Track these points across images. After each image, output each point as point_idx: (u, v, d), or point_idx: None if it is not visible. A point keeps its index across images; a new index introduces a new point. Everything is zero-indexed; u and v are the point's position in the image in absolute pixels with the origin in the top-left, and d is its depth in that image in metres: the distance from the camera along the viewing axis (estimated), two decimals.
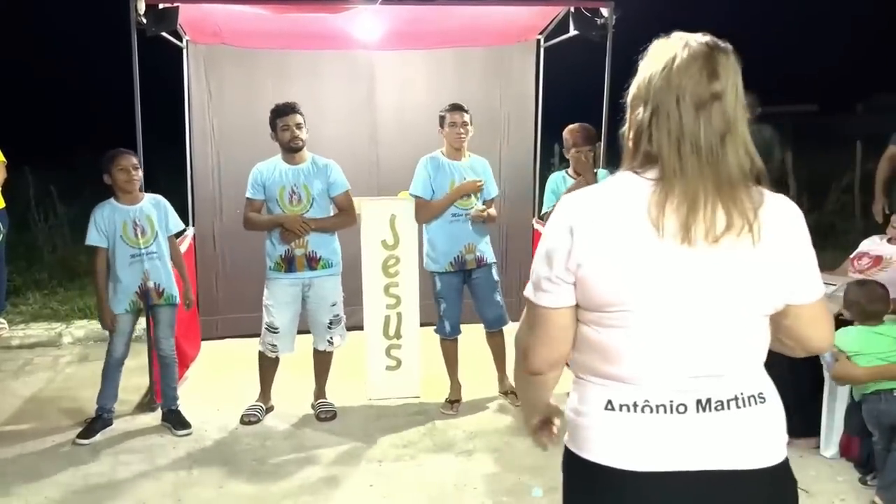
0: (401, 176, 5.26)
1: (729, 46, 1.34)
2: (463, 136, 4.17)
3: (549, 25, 5.48)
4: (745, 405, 1.34)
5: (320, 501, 3.27)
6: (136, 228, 3.90)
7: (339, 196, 4.12)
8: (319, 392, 4.28)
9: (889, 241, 3.92)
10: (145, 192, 4.04)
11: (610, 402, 1.35)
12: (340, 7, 4.72)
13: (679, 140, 1.29)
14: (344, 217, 4.15)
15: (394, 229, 4.31)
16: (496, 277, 4.32)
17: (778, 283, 1.33)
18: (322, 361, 4.28)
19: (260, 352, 4.19)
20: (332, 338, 4.20)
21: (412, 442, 3.84)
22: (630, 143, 1.38)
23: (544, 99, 5.80)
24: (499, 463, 3.59)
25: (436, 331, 4.33)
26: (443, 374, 4.37)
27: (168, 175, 6.63)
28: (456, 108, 4.19)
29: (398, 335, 4.38)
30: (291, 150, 4.02)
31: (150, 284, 3.93)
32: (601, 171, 4.31)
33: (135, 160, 3.92)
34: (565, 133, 4.35)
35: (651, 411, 1.32)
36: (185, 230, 4.09)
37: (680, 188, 1.28)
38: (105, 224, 3.87)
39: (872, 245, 3.97)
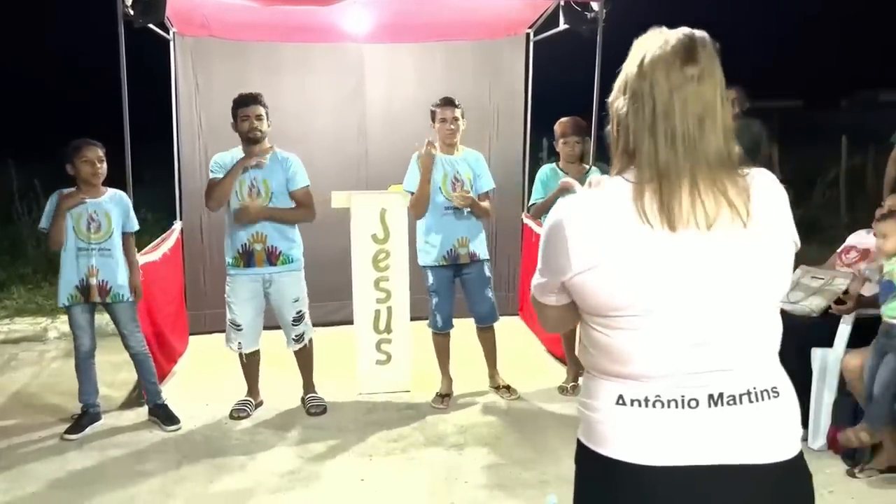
0: (390, 169, 5.25)
1: (706, 36, 1.33)
2: (454, 131, 4.15)
3: (539, 19, 5.48)
4: (757, 399, 1.33)
5: (310, 496, 3.26)
6: (91, 223, 3.80)
7: (298, 191, 4.04)
8: (308, 387, 4.26)
9: (875, 234, 3.94)
10: (132, 184, 3.98)
11: (621, 396, 1.34)
12: None
13: (653, 126, 1.28)
14: (303, 211, 4.07)
15: (384, 223, 4.29)
16: (488, 274, 4.32)
17: (779, 262, 1.32)
18: (301, 358, 4.24)
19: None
20: (297, 336, 4.15)
21: (403, 436, 3.83)
22: (615, 146, 1.37)
23: (534, 93, 5.80)
24: (489, 457, 3.59)
25: (428, 325, 4.33)
26: (433, 369, 4.36)
27: (155, 168, 6.58)
28: (447, 102, 4.16)
29: (388, 329, 4.37)
30: (250, 140, 3.96)
31: (94, 281, 3.79)
32: (593, 169, 4.33)
33: (101, 152, 3.81)
34: (556, 125, 4.37)
35: (662, 406, 1.31)
36: (134, 231, 3.99)
37: (659, 180, 1.27)
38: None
39: (859, 239, 3.99)
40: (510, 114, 5.85)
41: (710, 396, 1.31)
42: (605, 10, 4.75)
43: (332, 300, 5.21)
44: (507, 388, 4.36)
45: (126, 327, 3.93)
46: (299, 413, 4.14)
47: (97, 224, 3.81)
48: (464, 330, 4.40)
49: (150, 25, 4.49)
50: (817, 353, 3.54)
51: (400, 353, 4.40)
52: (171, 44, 5.20)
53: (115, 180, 3.99)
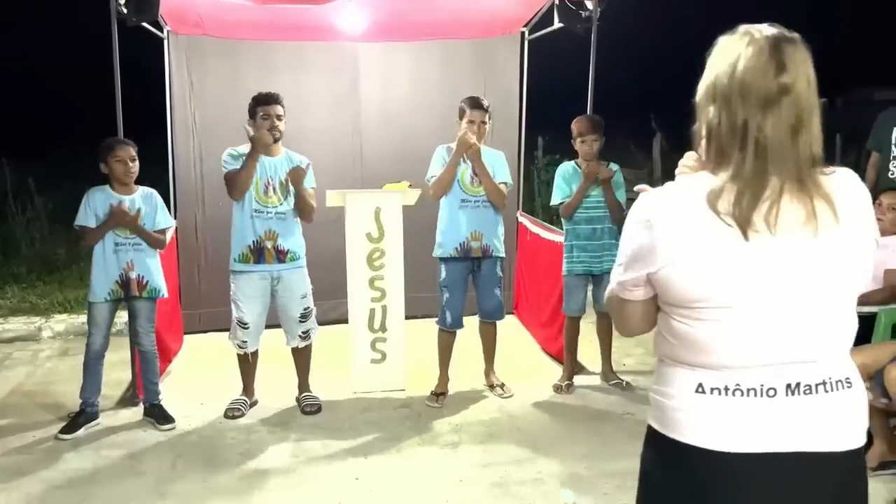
0: (385, 167, 5.25)
1: (798, 38, 1.34)
2: (478, 134, 4.13)
3: (533, 18, 5.49)
4: (832, 389, 1.37)
5: (305, 495, 3.26)
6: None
7: (305, 191, 4.05)
8: (303, 386, 4.26)
9: None
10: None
11: (701, 385, 1.38)
12: None
13: (744, 139, 1.30)
14: (313, 207, 4.09)
15: (378, 222, 4.29)
16: (499, 273, 4.32)
17: (860, 260, 1.36)
18: (300, 357, 4.25)
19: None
20: (304, 332, 4.16)
21: (397, 435, 3.83)
22: (703, 144, 1.40)
23: (529, 92, 5.80)
24: (484, 455, 3.60)
25: (437, 321, 4.33)
26: (428, 367, 4.37)
27: (150, 167, 6.55)
28: (476, 105, 4.15)
29: (383, 328, 4.37)
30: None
31: (133, 275, 3.88)
32: (612, 166, 4.34)
33: (133, 151, 3.88)
34: (573, 123, 4.39)
35: (742, 394, 1.35)
36: (171, 227, 4.02)
37: (750, 185, 1.29)
38: (97, 208, 3.83)
39: None
40: (505, 112, 5.84)
41: (788, 386, 1.36)
42: (599, 9, 4.75)
43: (326, 299, 5.18)
44: (502, 385, 4.37)
45: (143, 325, 3.97)
46: (294, 412, 4.14)
47: None
48: (462, 329, 4.40)
49: (144, 24, 4.48)
50: None
51: (395, 352, 4.40)
52: (165, 42, 5.18)
53: (108, 178, 3.98)
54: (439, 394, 4.26)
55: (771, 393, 1.35)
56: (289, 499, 3.23)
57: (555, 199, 4.43)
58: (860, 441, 1.40)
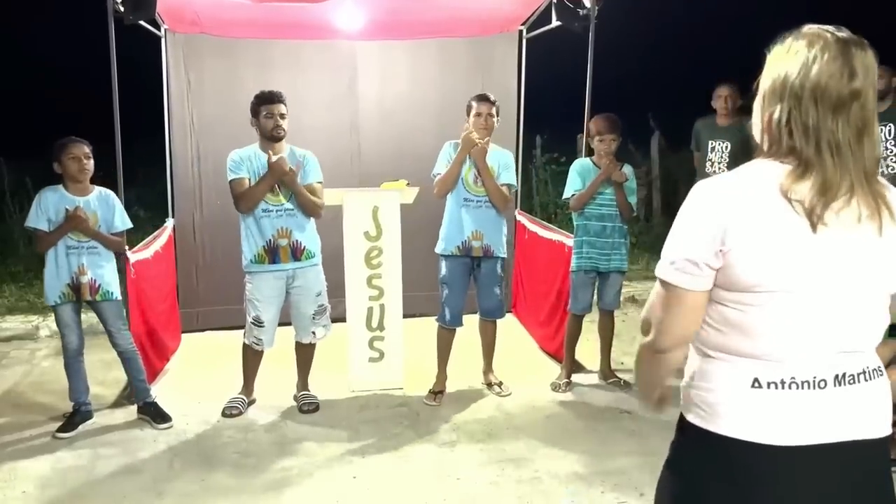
0: (382, 166, 5.25)
1: (866, 43, 1.38)
2: (487, 126, 4.15)
3: (531, 16, 5.48)
4: (871, 378, 1.44)
5: (303, 494, 3.25)
6: None
7: (308, 185, 4.04)
8: (302, 384, 4.26)
9: None
10: (123, 184, 3.97)
11: (757, 379, 1.40)
12: None
13: (817, 140, 1.34)
14: (317, 201, 4.07)
15: (376, 220, 4.29)
16: (500, 272, 4.32)
17: None
18: (305, 354, 4.25)
19: (245, 345, 4.15)
20: (315, 329, 4.17)
21: (395, 433, 3.83)
22: (764, 138, 1.43)
23: (526, 90, 5.80)
24: (481, 454, 3.60)
25: (436, 318, 4.33)
26: (426, 366, 4.36)
27: (147, 166, 6.55)
28: (483, 98, 4.18)
29: (381, 327, 4.37)
30: (273, 139, 3.97)
31: (85, 279, 3.79)
32: (626, 166, 4.33)
33: (87, 149, 3.80)
34: (591, 122, 4.39)
35: (797, 388, 1.39)
36: (127, 229, 3.96)
37: (820, 179, 1.33)
38: (49, 208, 3.76)
39: None
40: (503, 111, 5.73)
41: (836, 377, 1.40)
42: (597, 8, 4.74)
43: None
44: (500, 384, 4.36)
45: (113, 325, 3.92)
46: (292, 411, 4.13)
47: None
48: (461, 327, 4.39)
49: (141, 22, 4.47)
50: None
51: (392, 351, 4.40)
52: (163, 41, 5.17)
53: (106, 178, 3.97)
54: (437, 392, 4.26)
55: (822, 384, 1.39)
56: (286, 497, 3.22)
57: (567, 193, 4.42)
58: (889, 428, 1.45)
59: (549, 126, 8.85)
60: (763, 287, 1.36)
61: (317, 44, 5.51)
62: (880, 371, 1.46)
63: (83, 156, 3.78)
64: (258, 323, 4.05)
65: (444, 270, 4.25)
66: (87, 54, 6.65)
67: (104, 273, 3.85)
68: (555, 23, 5.03)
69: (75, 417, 3.87)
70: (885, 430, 1.44)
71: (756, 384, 1.40)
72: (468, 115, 4.21)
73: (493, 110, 4.18)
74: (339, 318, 4.48)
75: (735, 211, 1.35)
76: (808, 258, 1.34)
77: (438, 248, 4.26)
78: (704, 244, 1.37)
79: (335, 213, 4.32)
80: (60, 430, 3.79)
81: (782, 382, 1.39)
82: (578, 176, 4.36)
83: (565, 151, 8.47)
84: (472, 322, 4.41)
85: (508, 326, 5.50)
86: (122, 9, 4.16)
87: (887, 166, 4.87)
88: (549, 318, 4.97)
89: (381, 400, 4.26)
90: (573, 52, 5.13)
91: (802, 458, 1.38)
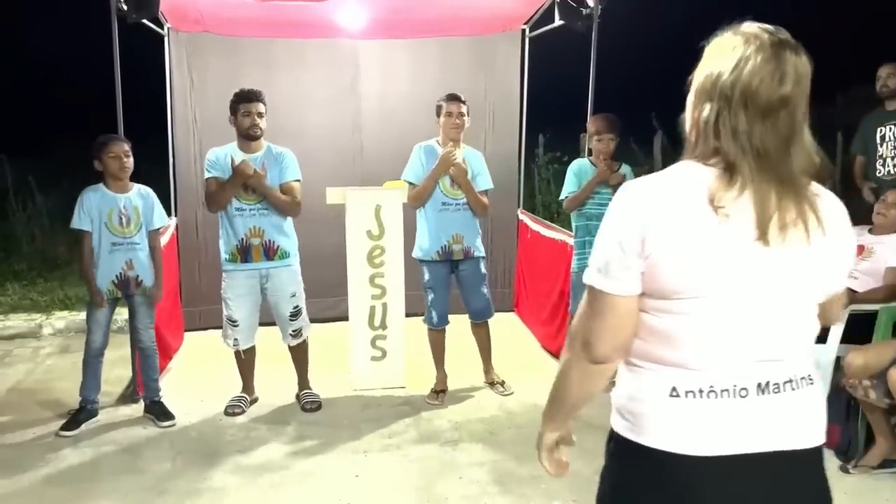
0: (384, 165, 5.25)
1: (800, 46, 1.34)
2: (459, 126, 4.14)
3: (534, 15, 5.48)
4: (798, 387, 1.38)
5: (305, 493, 3.26)
6: (122, 217, 3.85)
7: (285, 184, 4.00)
8: (303, 383, 4.26)
9: (870, 231, 3.96)
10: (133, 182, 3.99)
11: (675, 388, 1.36)
12: None
13: (744, 144, 1.30)
14: (289, 201, 4.01)
15: (379, 219, 4.29)
16: (483, 271, 4.32)
17: (835, 272, 1.39)
18: (295, 354, 4.25)
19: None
20: (294, 331, 4.16)
21: (398, 432, 3.84)
22: (692, 136, 1.39)
23: (529, 89, 5.80)
24: (484, 452, 3.60)
25: (424, 321, 4.32)
26: (428, 365, 4.37)
27: (150, 164, 6.55)
28: (453, 98, 4.16)
29: (383, 326, 4.37)
30: (249, 137, 3.95)
31: (131, 274, 3.88)
32: (624, 166, 4.32)
33: (126, 147, 3.87)
34: (589, 122, 4.38)
35: (716, 396, 1.34)
36: (166, 226, 4.00)
37: (745, 184, 1.30)
38: (92, 209, 3.82)
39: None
40: (505, 110, 5.84)
41: (759, 385, 1.35)
42: (600, 7, 4.75)
43: (327, 296, 5.20)
44: (502, 383, 4.37)
45: (142, 322, 3.98)
46: (294, 409, 4.14)
47: (127, 218, 3.87)
48: (458, 326, 4.41)
49: (144, 21, 4.48)
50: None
51: (395, 349, 4.40)
52: (166, 39, 5.18)
53: (103, 177, 3.98)
54: (439, 391, 4.26)
55: (743, 393, 1.34)
56: (289, 496, 3.23)
57: (563, 194, 4.41)
58: (822, 438, 1.40)
59: (551, 125, 8.85)
60: (684, 294, 1.31)
61: (319, 42, 5.52)
62: (810, 380, 1.40)
63: (123, 154, 3.83)
64: (232, 322, 4.05)
65: (427, 276, 4.24)
66: (91, 53, 6.66)
67: (146, 269, 3.95)
68: (558, 22, 5.03)
69: (80, 415, 3.88)
70: (816, 440, 1.39)
71: (674, 393, 1.35)
72: (438, 115, 4.19)
73: (464, 109, 4.16)
74: (341, 316, 4.49)
75: (655, 213, 1.30)
76: (726, 264, 1.30)
77: (417, 255, 4.25)
78: (628, 247, 1.32)
79: (338, 211, 4.32)
80: (64, 428, 3.80)
81: (700, 391, 1.34)
82: (575, 177, 4.35)
83: (568, 150, 8.46)
84: (463, 324, 4.40)
85: (510, 325, 5.51)
86: (125, 7, 4.16)
87: (894, 166, 4.85)
88: (552, 317, 4.97)
89: (384, 399, 4.26)
90: (576, 51, 5.13)
91: (729, 468, 1.33)
